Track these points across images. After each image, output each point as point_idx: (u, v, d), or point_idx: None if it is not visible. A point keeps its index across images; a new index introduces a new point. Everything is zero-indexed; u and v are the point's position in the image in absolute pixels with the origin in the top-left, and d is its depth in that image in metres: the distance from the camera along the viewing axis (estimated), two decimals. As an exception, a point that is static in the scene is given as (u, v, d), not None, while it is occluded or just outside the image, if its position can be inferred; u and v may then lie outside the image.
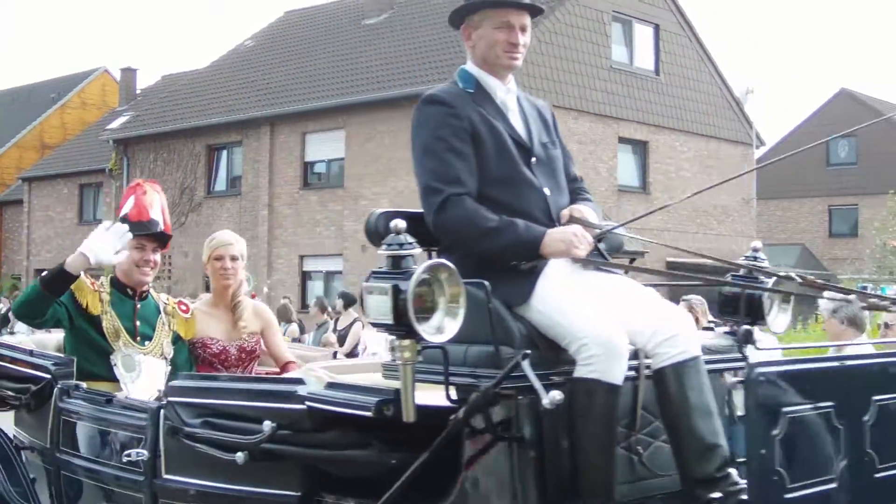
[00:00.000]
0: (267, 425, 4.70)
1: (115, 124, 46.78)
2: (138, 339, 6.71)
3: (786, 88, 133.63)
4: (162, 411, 5.46)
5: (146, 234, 6.80)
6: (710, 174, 40.46)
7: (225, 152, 40.15)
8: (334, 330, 19.50)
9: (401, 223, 4.15)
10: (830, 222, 60.19)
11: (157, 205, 6.96)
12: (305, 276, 36.74)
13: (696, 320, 12.35)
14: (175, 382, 5.56)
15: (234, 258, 7.09)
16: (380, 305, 4.01)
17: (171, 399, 5.39)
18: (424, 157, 4.99)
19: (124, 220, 6.72)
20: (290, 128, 37.11)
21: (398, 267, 4.06)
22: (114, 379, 6.48)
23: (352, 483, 4.81)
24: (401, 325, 4.00)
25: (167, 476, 5.44)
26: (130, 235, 6.54)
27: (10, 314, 24.48)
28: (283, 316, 22.11)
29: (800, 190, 59.47)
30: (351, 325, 19.24)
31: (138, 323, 6.77)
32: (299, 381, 4.75)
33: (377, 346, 17.88)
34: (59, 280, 6.34)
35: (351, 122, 35.26)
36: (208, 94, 41.79)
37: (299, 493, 4.82)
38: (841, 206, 59.24)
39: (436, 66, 33.90)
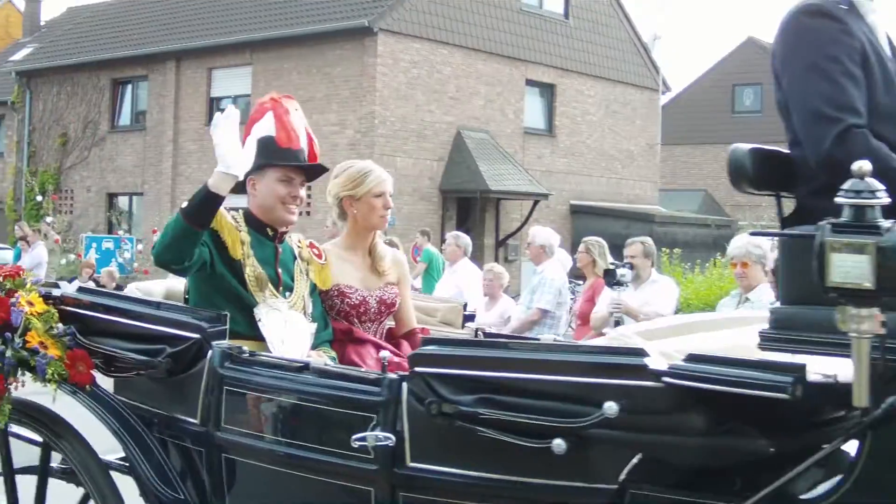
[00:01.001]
0: (610, 407, 3.85)
1: (17, 56, 46.01)
2: (280, 289, 5.62)
3: (693, 35, 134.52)
4: (405, 384, 4.44)
5: (298, 165, 5.78)
6: (616, 119, 40.77)
7: (130, 87, 39.66)
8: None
9: (866, 165, 3.32)
10: (734, 169, 60.75)
11: (303, 129, 5.91)
12: (207, 212, 36.45)
13: (594, 262, 12.47)
14: (427, 349, 4.51)
15: (390, 195, 6.08)
16: (854, 267, 3.24)
17: (419, 369, 4.38)
18: (812, 76, 4.19)
19: (270, 143, 5.64)
20: (197, 63, 36.73)
21: (865, 219, 3.29)
22: (256, 338, 5.37)
23: (683, 473, 4.06)
24: (880, 291, 3.21)
25: (414, 464, 4.43)
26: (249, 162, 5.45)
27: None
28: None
29: (704, 137, 59.96)
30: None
31: (280, 271, 5.68)
32: (642, 353, 3.95)
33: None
34: (207, 206, 5.26)
35: (258, 59, 34.97)
36: (114, 26, 41.22)
37: (615, 486, 4.03)
38: (745, 153, 59.77)
39: (343, 3, 33.68)
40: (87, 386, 5.30)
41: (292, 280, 5.68)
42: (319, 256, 5.96)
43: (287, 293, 5.61)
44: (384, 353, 4.89)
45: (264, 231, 5.69)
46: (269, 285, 5.54)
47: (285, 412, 4.95)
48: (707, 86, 61.77)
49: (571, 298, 13.48)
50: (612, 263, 12.15)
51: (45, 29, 51.40)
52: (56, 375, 5.12)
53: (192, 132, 36.54)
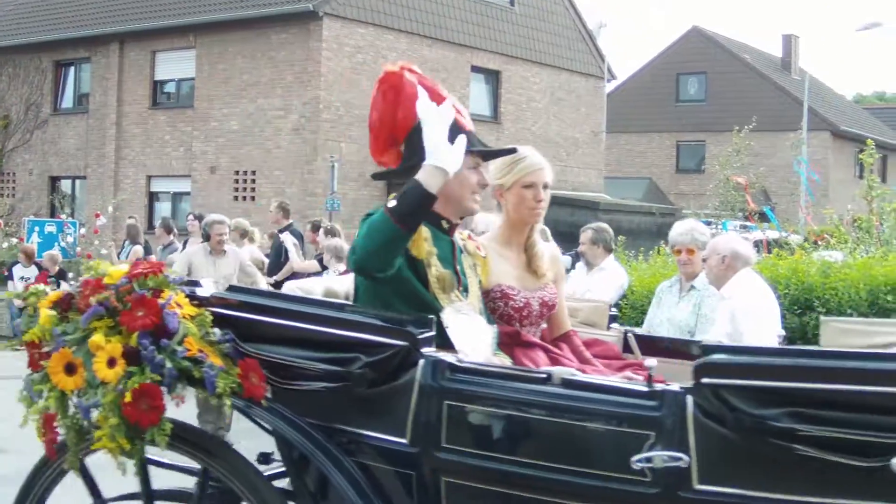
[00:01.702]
0: None
1: (-44, 37, 45.54)
2: (460, 289, 5.05)
3: (639, 24, 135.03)
4: (689, 398, 3.96)
5: (488, 151, 5.19)
6: (561, 106, 40.85)
7: (73, 69, 39.31)
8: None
9: None
10: (678, 158, 61.19)
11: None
12: (153, 197, 36.27)
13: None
14: (716, 358, 4.02)
15: (545, 186, 5.39)
16: None
17: (708, 380, 3.92)
18: None
19: (454, 126, 4.76)
20: (140, 45, 36.44)
21: None
22: (442, 344, 4.69)
23: None
24: None
25: (702, 487, 3.92)
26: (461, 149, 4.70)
27: None
28: (131, 236, 21.88)
29: (649, 125, 60.29)
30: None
31: (458, 268, 5.08)
32: None
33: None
34: (422, 206, 4.56)
35: (202, 42, 34.76)
36: (56, 7, 40.81)
37: None
38: (689, 141, 60.20)
39: (290, -13, 33.57)
40: (262, 400, 4.64)
41: (466, 277, 5.11)
42: (479, 250, 5.36)
43: (465, 293, 5.07)
44: (650, 362, 4.31)
45: (439, 224, 5.02)
46: (453, 286, 4.98)
47: (528, 429, 4.34)
48: (652, 74, 62.15)
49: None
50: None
51: (-15, 9, 50.90)
52: (227, 389, 4.48)
53: (136, 115, 36.28)
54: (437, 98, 4.77)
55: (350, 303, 5.07)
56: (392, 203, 4.50)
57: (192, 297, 4.71)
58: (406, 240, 4.55)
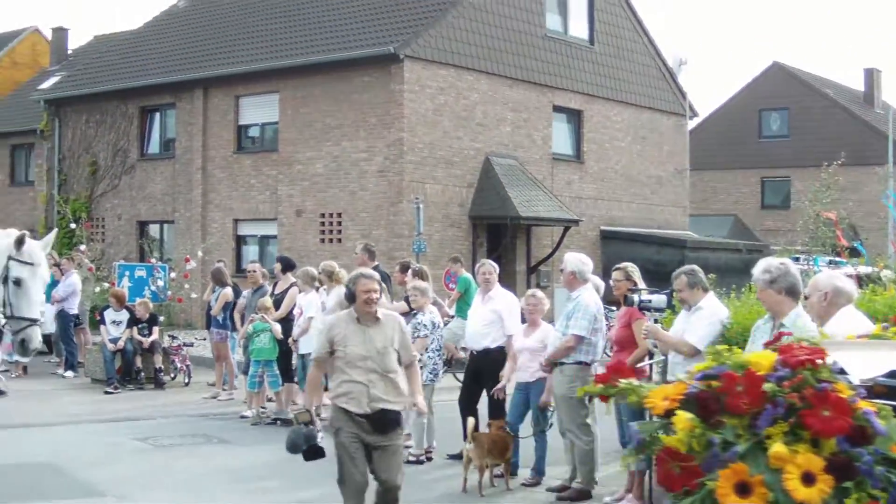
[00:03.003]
0: None
1: (46, 84, 46.25)
2: None
3: (719, 60, 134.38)
4: None
5: None
6: (644, 144, 40.77)
7: (158, 114, 39.77)
8: (271, 294, 19.44)
9: None
10: (763, 194, 60.77)
11: None
12: (240, 240, 36.53)
13: (636, 284, 12.46)
14: None
15: None
16: None
17: None
18: None
19: None
20: (224, 91, 36.82)
21: None
22: None
23: None
24: None
25: None
26: None
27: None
28: (218, 279, 22.06)
29: (733, 161, 59.98)
30: (287, 289, 19.20)
31: None
32: None
33: (314, 310, 17.90)
34: None
35: (285, 86, 35.05)
36: (141, 55, 41.38)
37: None
38: (773, 178, 59.79)
39: (368, 31, 33.76)
40: None
41: None
42: None
43: None
44: None
45: None
46: None
47: None
48: (733, 111, 61.88)
49: (607, 324, 13.41)
50: (632, 289, 12.17)
51: (72, 57, 51.71)
52: None
53: (221, 160, 36.63)
54: None
55: None
56: None
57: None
58: None
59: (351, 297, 9.51)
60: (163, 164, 38.87)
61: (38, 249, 10.50)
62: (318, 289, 18.45)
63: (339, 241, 32.80)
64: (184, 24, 42.15)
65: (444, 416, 15.35)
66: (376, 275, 9.83)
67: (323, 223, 33.57)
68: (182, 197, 37.60)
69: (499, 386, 13.89)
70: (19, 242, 10.29)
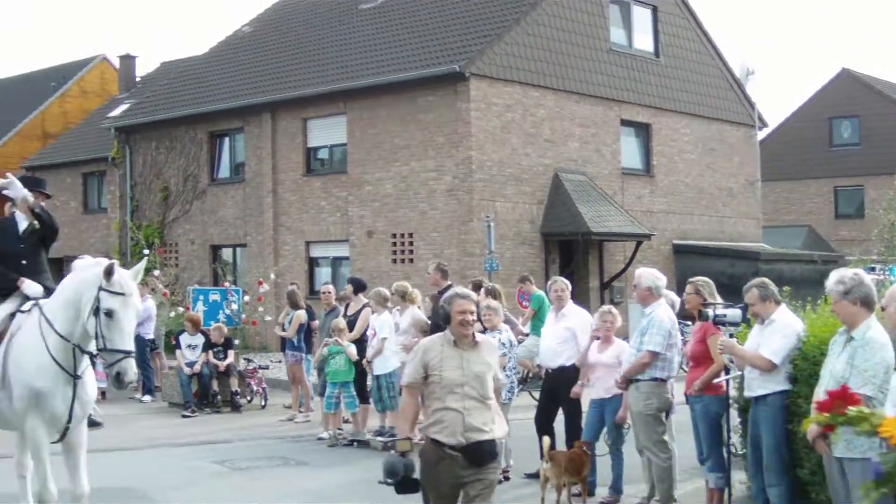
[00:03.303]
0: None
1: (115, 112, 46.76)
2: None
3: (786, 69, 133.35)
4: None
5: None
6: (713, 156, 40.54)
7: (227, 139, 40.07)
8: (344, 315, 19.49)
9: None
10: (836, 203, 60.21)
11: None
12: (312, 262, 36.68)
13: (705, 299, 12.36)
14: None
15: None
16: None
17: None
18: None
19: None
20: (292, 113, 37.03)
21: None
22: None
23: None
24: None
25: None
26: None
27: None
28: (293, 302, 22.14)
29: (804, 171, 59.49)
30: (360, 310, 19.25)
31: None
32: None
33: (387, 331, 17.93)
34: None
35: (352, 107, 35.18)
36: (208, 80, 41.74)
37: None
38: (846, 186, 59.26)
39: (433, 50, 33.84)
40: None
41: None
42: None
43: None
44: None
45: None
46: None
47: None
48: (803, 120, 61.35)
49: (682, 340, 13.31)
50: (706, 303, 12.07)
51: (140, 84, 52.29)
52: None
53: (291, 182, 36.81)
54: None
55: None
56: None
57: None
58: None
59: (446, 318, 8.96)
60: (233, 188, 39.13)
61: (129, 279, 10.15)
62: (390, 309, 18.50)
63: (411, 261, 32.84)
64: (249, 49, 42.45)
65: (521, 435, 15.29)
66: (473, 295, 9.37)
67: (394, 243, 33.63)
68: (253, 220, 37.83)
69: (575, 388, 13.96)
70: (109, 272, 9.96)
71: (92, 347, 10.24)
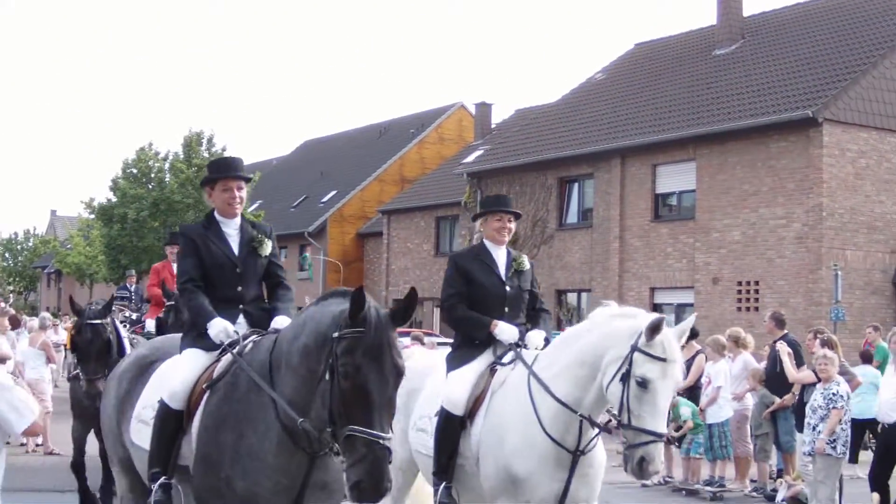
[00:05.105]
0: None
1: (469, 158, 47.91)
2: None
3: None
4: None
5: None
6: None
7: (576, 184, 40.45)
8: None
9: None
10: None
11: None
12: (656, 309, 36.46)
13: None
14: None
15: None
16: None
17: None
18: None
19: None
20: (641, 160, 37.10)
21: None
22: None
23: None
24: None
25: None
26: None
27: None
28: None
29: None
30: (694, 357, 19.01)
31: None
32: None
33: (722, 379, 17.64)
34: None
35: (701, 154, 34.95)
36: (559, 127, 42.28)
37: None
38: None
39: (788, 95, 33.25)
40: None
41: None
42: None
43: None
44: None
45: None
46: None
47: None
48: None
49: None
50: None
51: (495, 131, 53.38)
52: None
53: (638, 228, 36.83)
54: None
55: None
56: None
57: None
58: None
59: None
60: (580, 234, 39.43)
61: (674, 341, 7.81)
62: (726, 357, 18.21)
63: (756, 309, 32.23)
64: (601, 96, 42.82)
65: (852, 492, 14.80)
66: None
67: (739, 291, 33.15)
68: (599, 265, 37.99)
69: None
70: (654, 329, 7.70)
71: (602, 418, 8.40)
